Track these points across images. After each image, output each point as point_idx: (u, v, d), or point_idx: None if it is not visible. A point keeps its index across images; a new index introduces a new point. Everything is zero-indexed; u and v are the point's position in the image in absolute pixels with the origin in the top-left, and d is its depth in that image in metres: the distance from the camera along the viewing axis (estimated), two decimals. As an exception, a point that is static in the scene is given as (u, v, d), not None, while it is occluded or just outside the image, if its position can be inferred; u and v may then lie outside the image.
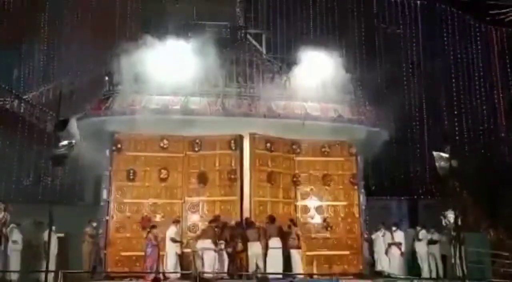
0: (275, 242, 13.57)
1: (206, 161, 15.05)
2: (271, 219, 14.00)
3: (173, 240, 13.36)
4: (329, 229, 15.27)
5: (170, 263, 13.23)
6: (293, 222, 14.30)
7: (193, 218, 14.69)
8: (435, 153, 12.94)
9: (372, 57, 22.31)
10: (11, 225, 12.91)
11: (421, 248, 14.90)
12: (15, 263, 12.59)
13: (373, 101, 16.23)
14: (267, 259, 13.49)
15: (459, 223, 12.67)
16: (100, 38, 19.87)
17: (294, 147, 15.73)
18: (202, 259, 13.06)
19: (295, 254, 13.69)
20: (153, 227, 13.48)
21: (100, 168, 15.15)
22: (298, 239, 13.79)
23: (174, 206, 14.80)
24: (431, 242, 14.90)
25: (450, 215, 13.93)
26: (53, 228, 12.96)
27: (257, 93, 15.29)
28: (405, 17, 23.48)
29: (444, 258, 14.87)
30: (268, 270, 13.20)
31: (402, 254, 14.91)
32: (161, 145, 15.06)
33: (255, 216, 14.39)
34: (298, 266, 13.57)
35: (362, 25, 23.12)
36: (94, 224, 14.30)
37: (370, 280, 13.60)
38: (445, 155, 12.50)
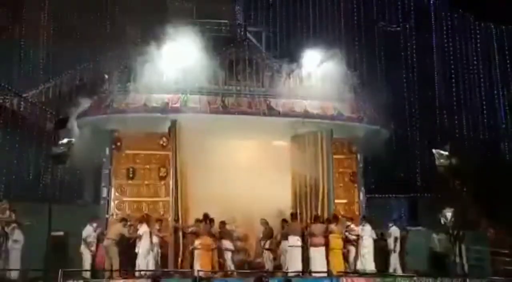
0: (294, 240, 13.36)
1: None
2: (292, 216, 13.97)
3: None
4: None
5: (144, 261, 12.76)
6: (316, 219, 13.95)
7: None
8: (435, 151, 12.94)
9: (372, 55, 22.30)
10: (13, 224, 12.89)
11: (390, 244, 14.56)
12: (15, 262, 12.57)
13: (373, 99, 16.20)
14: (287, 257, 13.43)
15: (458, 220, 12.66)
16: (99, 37, 19.85)
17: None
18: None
19: (313, 252, 13.44)
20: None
21: (100, 166, 15.15)
22: (310, 236, 13.49)
23: (173, 204, 14.79)
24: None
25: (448, 213, 13.89)
26: (95, 225, 13.38)
27: (257, 91, 15.27)
28: (405, 15, 23.47)
29: (444, 256, 14.80)
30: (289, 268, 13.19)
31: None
32: (161, 142, 15.06)
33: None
34: (317, 264, 13.24)
35: (362, 23, 23.10)
36: (95, 225, 13.57)
37: (369, 278, 13.53)
38: (445, 153, 12.50)
